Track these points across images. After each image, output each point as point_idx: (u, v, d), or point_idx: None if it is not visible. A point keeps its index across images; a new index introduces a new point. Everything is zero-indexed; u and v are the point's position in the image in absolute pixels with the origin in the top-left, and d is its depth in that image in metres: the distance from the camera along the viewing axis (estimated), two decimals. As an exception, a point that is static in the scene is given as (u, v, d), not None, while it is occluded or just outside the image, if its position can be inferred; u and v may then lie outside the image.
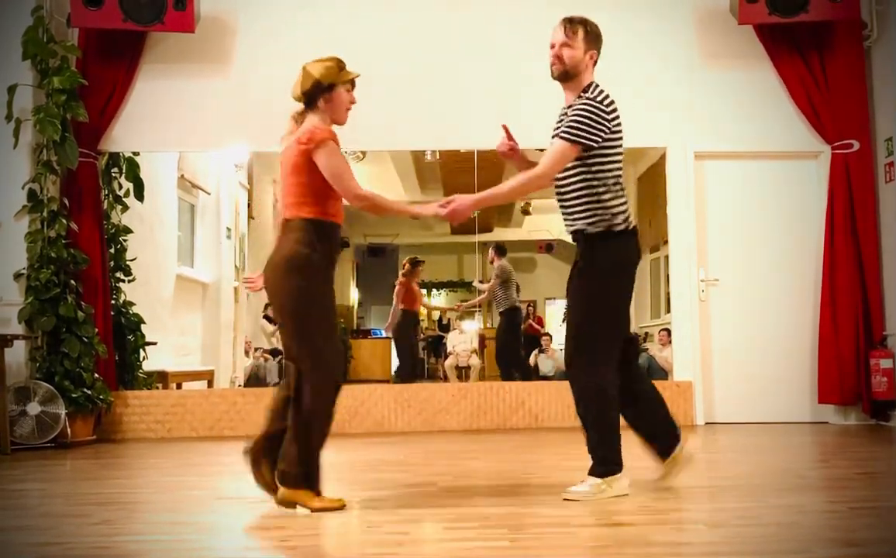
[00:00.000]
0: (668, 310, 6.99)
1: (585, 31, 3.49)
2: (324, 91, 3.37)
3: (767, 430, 6.07)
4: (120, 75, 6.49)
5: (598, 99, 3.37)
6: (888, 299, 6.35)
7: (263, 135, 6.83)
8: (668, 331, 7.18)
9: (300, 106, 3.51)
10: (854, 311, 6.32)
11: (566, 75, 3.48)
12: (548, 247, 10.34)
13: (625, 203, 3.46)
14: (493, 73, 6.76)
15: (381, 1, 6.82)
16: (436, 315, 11.89)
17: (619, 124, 3.43)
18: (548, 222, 10.14)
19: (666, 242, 6.88)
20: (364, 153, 8.32)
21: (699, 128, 6.74)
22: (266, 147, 7.37)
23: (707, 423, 6.56)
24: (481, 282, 9.22)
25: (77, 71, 6.23)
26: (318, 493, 3.27)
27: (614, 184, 3.42)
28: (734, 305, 6.70)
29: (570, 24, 3.49)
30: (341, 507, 3.27)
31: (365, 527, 2.99)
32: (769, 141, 6.70)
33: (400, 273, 9.14)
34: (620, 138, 3.45)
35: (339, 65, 3.41)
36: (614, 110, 3.41)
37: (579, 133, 3.32)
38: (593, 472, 3.41)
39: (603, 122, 3.34)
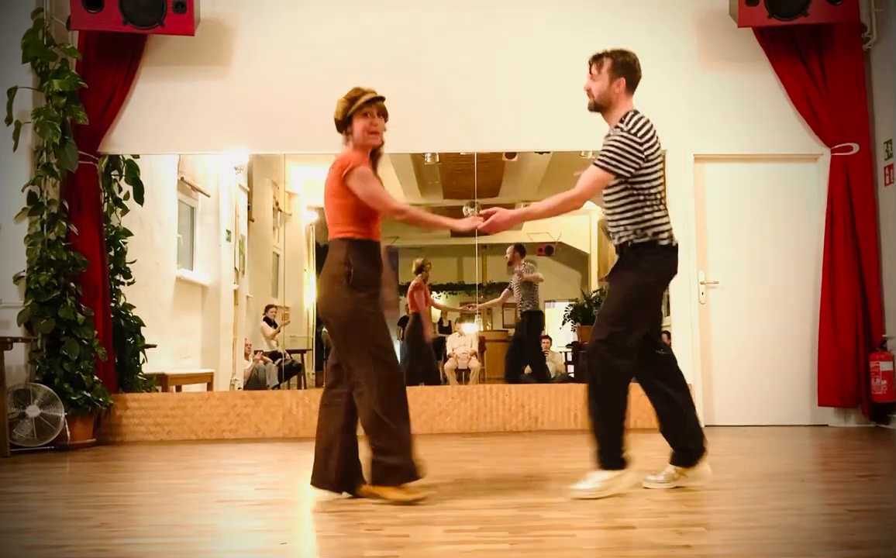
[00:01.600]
0: (668, 313, 6.98)
1: (612, 62, 3.66)
2: (344, 125, 3.61)
3: (767, 433, 6.07)
4: (120, 78, 6.50)
5: (633, 130, 3.52)
6: (888, 302, 6.35)
7: (263, 137, 6.87)
8: (668, 334, 7.17)
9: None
10: (854, 314, 6.32)
11: (597, 107, 3.69)
12: (547, 249, 10.33)
13: (667, 219, 3.62)
14: (494, 76, 6.76)
15: (381, 4, 6.82)
16: (437, 316, 11.83)
17: (655, 149, 3.57)
18: (548, 225, 10.14)
19: (666, 245, 6.87)
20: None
21: (699, 130, 6.74)
22: (266, 149, 7.39)
23: (707, 426, 6.55)
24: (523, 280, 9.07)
25: (77, 73, 6.23)
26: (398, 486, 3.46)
27: (655, 201, 3.57)
28: (734, 308, 6.70)
29: (595, 60, 3.69)
30: (419, 500, 3.43)
31: (365, 530, 2.99)
32: (769, 144, 6.70)
33: (417, 276, 9.07)
34: (659, 161, 3.61)
35: (351, 96, 3.60)
36: (650, 139, 3.55)
37: (613, 163, 3.49)
38: (599, 467, 3.51)
39: (636, 152, 3.50)
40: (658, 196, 3.59)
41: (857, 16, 6.27)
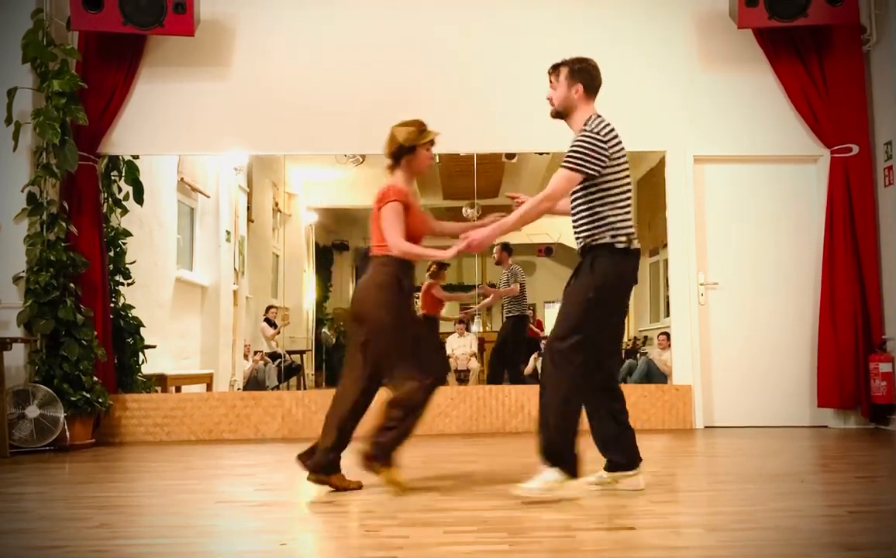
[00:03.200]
0: (668, 314, 6.98)
1: (569, 70, 3.74)
2: (406, 152, 3.94)
3: (766, 434, 6.07)
4: (120, 78, 6.50)
5: (597, 130, 3.59)
6: (887, 303, 6.35)
7: (263, 138, 6.88)
8: (668, 335, 7.17)
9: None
10: (853, 315, 6.32)
11: (559, 114, 3.79)
12: (547, 250, 10.32)
13: (628, 222, 3.63)
14: (494, 76, 6.77)
15: (381, 5, 6.83)
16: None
17: (619, 150, 3.62)
18: (547, 225, 10.13)
19: (665, 246, 6.88)
20: (363, 156, 8.32)
21: (699, 131, 6.75)
22: (266, 150, 7.39)
23: (706, 427, 6.56)
24: (491, 285, 9.10)
25: (77, 74, 6.23)
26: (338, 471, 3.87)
27: (618, 204, 3.61)
28: (733, 309, 6.70)
29: (553, 70, 3.80)
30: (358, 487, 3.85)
31: (364, 531, 2.99)
32: (768, 145, 6.71)
33: (426, 275, 9.02)
34: (623, 164, 3.64)
35: (420, 128, 3.95)
36: (614, 138, 3.61)
37: (580, 163, 3.55)
38: (550, 465, 3.51)
39: (601, 151, 3.56)
40: (621, 198, 3.61)
41: (856, 17, 6.28)
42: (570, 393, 3.51)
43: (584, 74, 3.72)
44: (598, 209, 3.59)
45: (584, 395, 3.59)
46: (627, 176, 3.65)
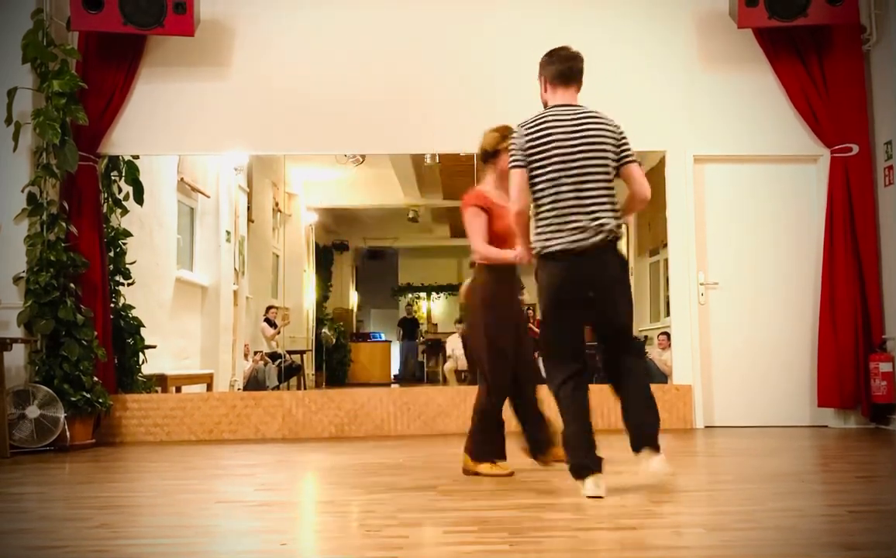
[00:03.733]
0: (668, 314, 6.98)
1: (538, 69, 3.80)
2: (490, 155, 4.17)
3: (767, 434, 6.07)
4: (120, 79, 6.50)
5: (522, 123, 3.62)
6: (887, 302, 6.35)
7: (263, 138, 6.88)
8: (668, 335, 7.17)
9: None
10: (853, 315, 6.32)
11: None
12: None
13: (544, 229, 3.54)
14: (493, 76, 6.76)
15: (380, 5, 6.83)
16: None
17: (538, 146, 3.51)
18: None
19: (665, 245, 6.88)
20: (363, 157, 8.33)
21: (699, 131, 6.75)
22: (266, 150, 7.39)
23: (706, 427, 6.55)
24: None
25: (77, 74, 6.23)
26: (493, 463, 4.18)
27: (540, 205, 3.55)
28: (733, 308, 6.70)
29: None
30: (509, 474, 4.12)
31: (364, 531, 2.99)
32: (768, 144, 6.71)
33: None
34: (540, 163, 3.52)
35: (504, 133, 4.10)
36: (534, 133, 3.54)
37: (510, 158, 3.62)
38: (577, 479, 3.56)
39: (517, 141, 3.57)
40: (540, 201, 3.51)
41: (856, 17, 6.28)
42: (561, 410, 3.60)
43: (544, 68, 3.73)
44: (534, 216, 3.60)
45: (572, 400, 3.57)
46: (548, 175, 3.49)
